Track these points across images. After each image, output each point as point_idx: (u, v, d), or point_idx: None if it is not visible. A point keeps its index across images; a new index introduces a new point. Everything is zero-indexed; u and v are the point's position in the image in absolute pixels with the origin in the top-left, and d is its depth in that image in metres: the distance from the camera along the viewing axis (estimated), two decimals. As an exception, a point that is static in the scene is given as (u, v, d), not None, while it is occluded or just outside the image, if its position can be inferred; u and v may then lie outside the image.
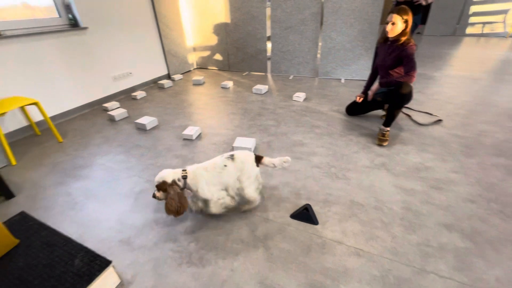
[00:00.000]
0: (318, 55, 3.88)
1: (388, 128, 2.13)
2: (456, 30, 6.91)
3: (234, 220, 1.47)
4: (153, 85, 3.98)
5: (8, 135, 2.42)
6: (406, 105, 2.42)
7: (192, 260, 1.25)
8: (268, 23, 3.91)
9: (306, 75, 4.06)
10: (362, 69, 3.67)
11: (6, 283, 1.03)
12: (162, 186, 1.31)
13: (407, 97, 2.07)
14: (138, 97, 3.42)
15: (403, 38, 2.03)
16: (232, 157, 1.41)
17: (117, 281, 1.15)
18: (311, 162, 1.94)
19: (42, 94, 2.64)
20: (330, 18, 3.49)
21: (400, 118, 2.54)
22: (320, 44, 3.77)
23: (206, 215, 1.50)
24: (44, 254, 1.14)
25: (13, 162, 2.07)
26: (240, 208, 1.51)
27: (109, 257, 1.11)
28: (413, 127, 2.38)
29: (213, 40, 4.45)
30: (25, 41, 2.47)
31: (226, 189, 1.43)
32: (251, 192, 1.43)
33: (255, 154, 1.48)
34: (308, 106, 2.93)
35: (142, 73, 3.80)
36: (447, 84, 3.43)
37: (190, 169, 1.38)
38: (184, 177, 1.34)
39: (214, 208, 1.42)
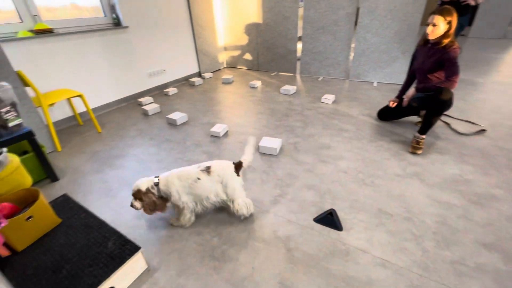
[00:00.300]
0: (350, 57, 3.76)
1: (423, 136, 2.00)
2: (507, 33, 6.30)
3: (256, 219, 1.48)
4: (185, 82, 4.13)
5: (55, 124, 2.66)
6: (445, 112, 2.26)
7: (214, 254, 1.28)
8: (300, 24, 3.87)
9: (336, 77, 3.96)
10: (397, 72, 3.49)
11: (49, 257, 1.13)
12: (137, 195, 1.32)
13: (447, 103, 1.94)
14: (170, 94, 3.57)
15: (446, 41, 1.90)
16: (208, 170, 1.36)
17: (144, 266, 1.21)
18: (338, 166, 1.89)
19: (86, 87, 2.87)
20: (366, 18, 3.36)
21: (438, 125, 2.38)
22: (353, 45, 3.65)
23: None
24: (82, 235, 1.23)
25: (59, 148, 2.27)
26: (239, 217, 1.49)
27: (138, 244, 1.18)
28: (451, 136, 2.22)
29: (244, 40, 4.51)
30: (73, 38, 2.69)
31: (199, 201, 1.40)
32: (241, 204, 1.39)
33: (233, 163, 1.41)
34: (337, 109, 2.86)
35: (175, 70, 3.97)
36: (493, 91, 3.14)
37: (163, 176, 1.37)
38: (156, 184, 1.34)
39: (185, 219, 1.41)
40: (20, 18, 2.40)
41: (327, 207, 1.53)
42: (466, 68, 4.03)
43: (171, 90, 3.60)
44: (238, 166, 1.41)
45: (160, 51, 3.63)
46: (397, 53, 3.39)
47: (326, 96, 3.09)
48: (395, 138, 2.22)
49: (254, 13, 4.17)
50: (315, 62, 4.01)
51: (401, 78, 3.46)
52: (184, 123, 2.69)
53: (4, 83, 1.56)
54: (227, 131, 2.48)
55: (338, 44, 3.71)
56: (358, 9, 3.41)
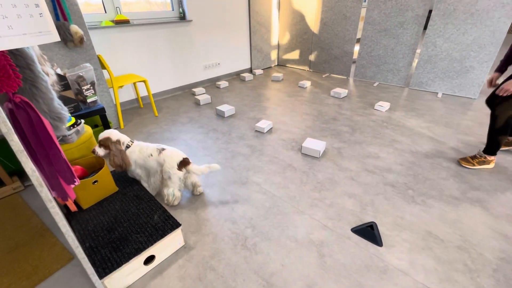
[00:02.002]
0: (414, 63, 3.44)
1: (489, 157, 1.75)
2: None
3: (291, 218, 1.47)
4: (236, 77, 4.26)
5: (121, 104, 3.00)
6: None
7: (246, 244, 1.32)
8: (361, 25, 3.67)
9: (394, 83, 3.67)
10: (470, 84, 3.08)
11: (106, 218, 1.30)
12: (105, 142, 1.42)
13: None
14: (221, 86, 3.73)
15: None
16: (160, 151, 1.48)
17: (182, 242, 1.31)
18: (385, 179, 1.76)
19: (149, 74, 3.16)
20: (439, 21, 3.03)
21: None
22: (418, 51, 3.33)
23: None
24: (134, 204, 1.38)
25: (122, 126, 2.56)
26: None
27: (179, 221, 1.27)
28: (532, 164, 1.89)
29: (298, 38, 4.46)
30: (144, 29, 2.98)
31: (148, 175, 1.55)
32: (168, 193, 1.50)
33: (183, 158, 1.48)
34: (391, 118, 2.65)
35: (228, 65, 4.12)
36: None
37: (136, 144, 1.52)
38: (128, 146, 1.48)
39: (151, 188, 1.57)
40: (105, 9, 2.75)
41: (367, 219, 1.45)
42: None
43: (223, 83, 3.75)
44: (183, 162, 1.49)
45: (217, 45, 3.81)
46: (472, 62, 2.99)
47: (380, 103, 2.89)
48: (459, 157, 1.98)
49: (312, 12, 4.09)
50: (372, 66, 3.77)
51: (473, 91, 3.05)
52: (231, 116, 2.79)
53: (87, 64, 1.81)
54: (271, 128, 2.50)
55: (400, 49, 3.42)
56: (430, 11, 3.10)
